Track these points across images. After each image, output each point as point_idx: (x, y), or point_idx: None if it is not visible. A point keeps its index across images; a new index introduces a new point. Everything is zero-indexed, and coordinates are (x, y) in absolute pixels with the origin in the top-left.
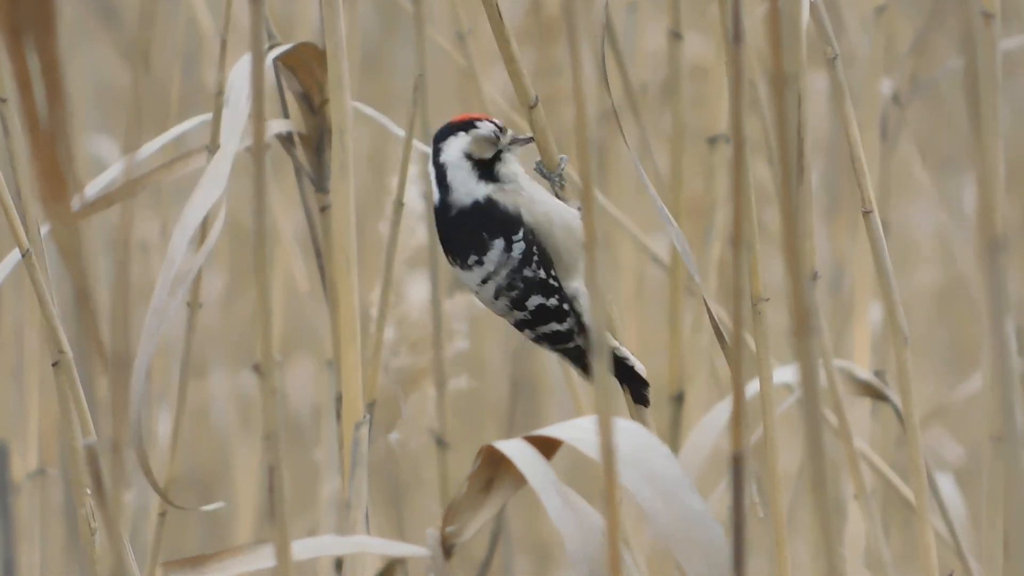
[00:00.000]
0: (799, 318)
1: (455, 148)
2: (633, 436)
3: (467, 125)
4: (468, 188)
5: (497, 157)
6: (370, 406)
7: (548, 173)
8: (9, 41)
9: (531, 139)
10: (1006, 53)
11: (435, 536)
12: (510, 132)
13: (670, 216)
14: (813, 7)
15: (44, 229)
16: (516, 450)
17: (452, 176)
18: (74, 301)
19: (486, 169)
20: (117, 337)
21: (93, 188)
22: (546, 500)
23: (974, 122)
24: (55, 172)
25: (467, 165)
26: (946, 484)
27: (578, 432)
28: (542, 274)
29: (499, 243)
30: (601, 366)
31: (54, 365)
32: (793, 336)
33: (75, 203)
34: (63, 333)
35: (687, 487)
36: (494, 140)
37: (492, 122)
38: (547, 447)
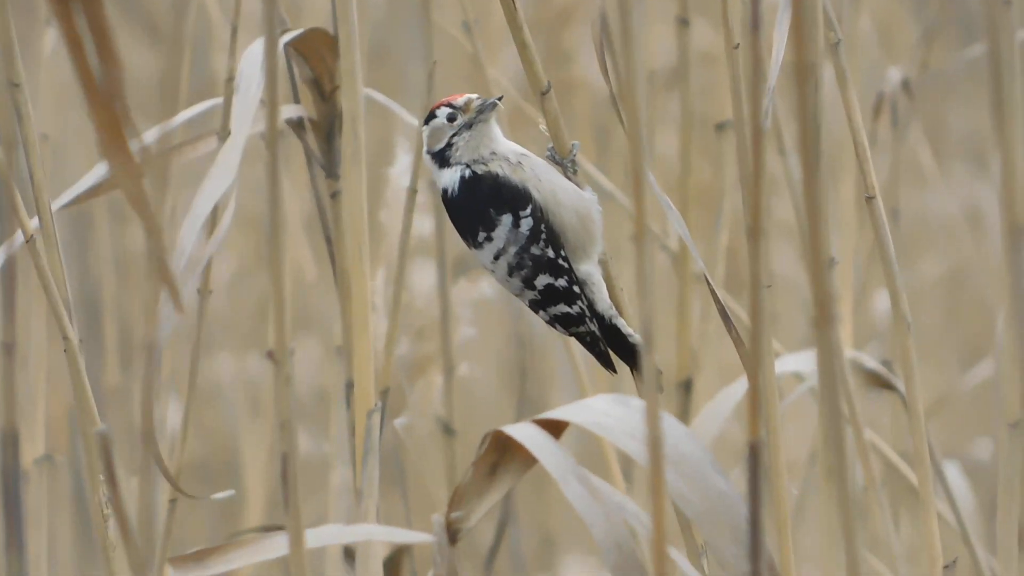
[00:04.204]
0: (820, 307)
1: (424, 145)
2: None
3: (428, 118)
4: (438, 178)
5: (449, 144)
6: (382, 393)
7: (560, 159)
8: (58, 6)
9: (497, 100)
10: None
11: (440, 522)
12: (476, 102)
13: (671, 203)
14: None
15: (56, 206)
16: (526, 434)
17: (431, 168)
18: (145, 247)
19: (440, 157)
20: (148, 323)
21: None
22: (563, 484)
23: (996, 110)
24: (115, 126)
25: (429, 159)
26: (953, 473)
27: (589, 414)
28: (550, 253)
29: (507, 218)
30: (649, 362)
31: (64, 351)
32: (814, 325)
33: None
34: (68, 319)
35: (710, 466)
36: (447, 126)
37: (449, 105)
38: (554, 430)
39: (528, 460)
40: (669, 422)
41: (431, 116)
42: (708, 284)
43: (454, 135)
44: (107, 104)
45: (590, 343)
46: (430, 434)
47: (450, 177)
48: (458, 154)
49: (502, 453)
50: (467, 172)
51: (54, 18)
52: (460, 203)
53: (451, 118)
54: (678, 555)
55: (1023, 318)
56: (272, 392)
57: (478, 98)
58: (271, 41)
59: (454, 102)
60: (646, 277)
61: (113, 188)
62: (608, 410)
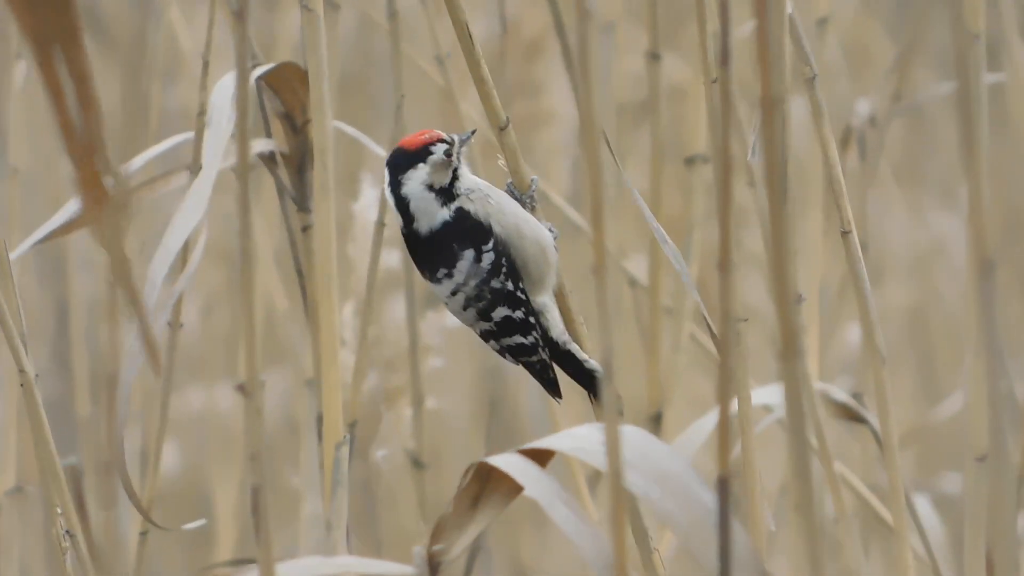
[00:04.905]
0: (786, 340)
1: (416, 181)
2: (634, 439)
3: (423, 154)
4: (431, 215)
5: (455, 175)
6: (351, 426)
7: (519, 195)
8: (39, 52)
9: (472, 133)
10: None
11: (422, 555)
12: (456, 138)
13: (666, 235)
14: (791, 25)
15: (14, 255)
16: (512, 463)
17: (416, 208)
18: (124, 304)
19: (447, 192)
20: (109, 357)
21: (73, 206)
22: (551, 509)
23: (966, 144)
24: (95, 181)
25: (430, 196)
26: (924, 505)
27: (574, 441)
28: (510, 286)
29: (469, 253)
30: (610, 386)
31: (22, 386)
32: (780, 358)
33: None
34: (24, 353)
35: (696, 482)
36: (448, 160)
37: (442, 140)
38: (538, 460)
39: (510, 491)
40: (650, 442)
41: (426, 152)
42: (705, 319)
43: (456, 169)
44: (88, 158)
45: (539, 371)
46: (400, 466)
47: (445, 214)
48: (462, 186)
49: (484, 484)
50: (456, 207)
51: (35, 65)
52: (427, 238)
53: (448, 153)
54: None
55: (991, 352)
56: (242, 424)
57: (450, 136)
58: (243, 76)
59: (444, 137)
60: (607, 308)
61: (82, 227)
62: (591, 436)
